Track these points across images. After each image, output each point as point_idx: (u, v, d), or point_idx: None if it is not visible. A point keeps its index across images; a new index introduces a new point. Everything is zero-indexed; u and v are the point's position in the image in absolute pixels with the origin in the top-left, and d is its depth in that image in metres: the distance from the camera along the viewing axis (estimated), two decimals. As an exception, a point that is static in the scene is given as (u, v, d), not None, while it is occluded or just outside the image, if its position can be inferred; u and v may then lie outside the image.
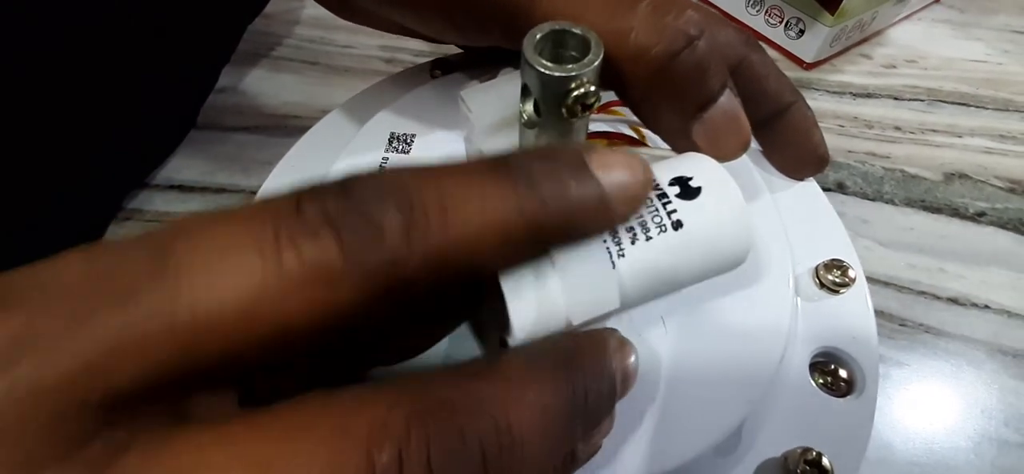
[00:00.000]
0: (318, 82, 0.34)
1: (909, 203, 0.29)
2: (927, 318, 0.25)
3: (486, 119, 0.18)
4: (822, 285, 0.21)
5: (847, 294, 0.21)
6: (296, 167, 0.24)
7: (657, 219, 0.14)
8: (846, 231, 0.23)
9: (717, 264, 0.14)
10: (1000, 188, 0.30)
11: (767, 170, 0.24)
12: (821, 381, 0.19)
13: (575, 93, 0.14)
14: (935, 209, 0.29)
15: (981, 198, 0.30)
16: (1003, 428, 0.22)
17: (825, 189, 0.30)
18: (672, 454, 0.16)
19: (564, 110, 0.15)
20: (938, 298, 0.26)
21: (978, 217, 0.29)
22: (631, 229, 0.13)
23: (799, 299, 0.21)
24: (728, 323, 0.18)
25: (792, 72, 0.36)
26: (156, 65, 0.28)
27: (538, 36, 0.15)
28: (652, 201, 0.14)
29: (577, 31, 0.15)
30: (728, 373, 0.17)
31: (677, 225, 0.14)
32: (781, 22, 0.36)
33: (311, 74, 0.35)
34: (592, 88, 0.14)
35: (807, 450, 0.17)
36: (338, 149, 0.22)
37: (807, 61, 0.36)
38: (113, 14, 0.25)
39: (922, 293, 0.26)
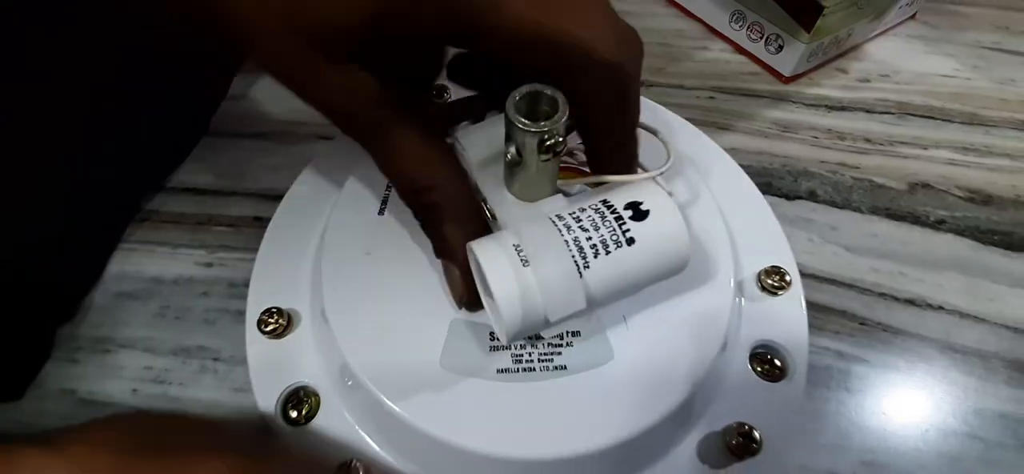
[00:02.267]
0: (323, 91, 0.36)
1: (875, 211, 0.31)
2: (887, 318, 0.27)
3: (477, 155, 0.21)
4: (763, 288, 0.25)
5: (784, 296, 0.24)
6: (322, 172, 0.28)
7: (615, 238, 0.17)
8: (785, 239, 0.26)
9: (663, 270, 0.18)
10: (960, 198, 0.32)
11: (715, 186, 0.27)
12: (759, 369, 0.23)
13: (547, 142, 0.18)
14: (899, 217, 0.31)
15: (942, 207, 0.32)
16: (950, 418, 0.24)
17: (796, 197, 0.32)
18: (633, 423, 0.19)
19: (539, 154, 0.18)
20: (897, 299, 0.28)
21: (938, 224, 0.31)
22: (594, 247, 0.17)
23: (743, 300, 0.24)
24: (678, 319, 0.21)
25: (772, 85, 0.38)
26: (172, 76, 0.30)
27: (517, 97, 0.18)
28: (611, 224, 0.17)
29: (548, 92, 0.18)
30: (678, 359, 0.20)
31: (630, 241, 0.17)
32: (761, 38, 0.38)
33: (316, 83, 0.37)
34: (560, 138, 0.18)
35: (742, 424, 0.20)
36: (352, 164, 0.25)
37: (785, 75, 0.38)
38: (135, 28, 0.27)
39: (882, 295, 0.28)
